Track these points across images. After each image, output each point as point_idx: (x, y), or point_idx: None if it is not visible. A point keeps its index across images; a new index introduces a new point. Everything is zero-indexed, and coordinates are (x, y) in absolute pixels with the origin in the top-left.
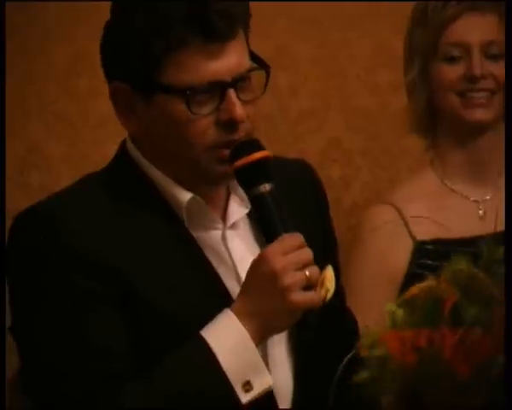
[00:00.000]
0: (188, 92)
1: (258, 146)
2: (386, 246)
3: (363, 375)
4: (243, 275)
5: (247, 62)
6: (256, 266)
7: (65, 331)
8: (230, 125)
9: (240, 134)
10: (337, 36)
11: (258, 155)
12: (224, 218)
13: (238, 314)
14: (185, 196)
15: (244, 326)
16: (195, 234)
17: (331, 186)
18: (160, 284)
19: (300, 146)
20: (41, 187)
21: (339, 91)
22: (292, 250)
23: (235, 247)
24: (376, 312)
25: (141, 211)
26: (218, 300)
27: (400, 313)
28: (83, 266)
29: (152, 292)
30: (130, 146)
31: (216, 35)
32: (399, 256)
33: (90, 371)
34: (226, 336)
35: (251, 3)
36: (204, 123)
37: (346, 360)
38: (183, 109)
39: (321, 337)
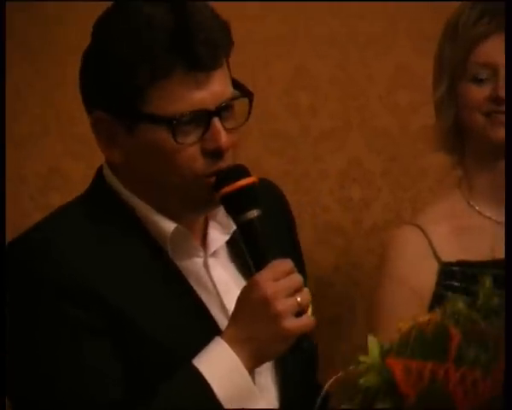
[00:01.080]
0: (174, 122)
1: (244, 172)
2: (411, 267)
3: (357, 401)
4: (227, 302)
5: (230, 91)
6: (247, 292)
7: (59, 362)
8: (216, 153)
9: (225, 163)
10: (357, 56)
11: (244, 181)
12: (204, 245)
13: (230, 342)
14: (169, 225)
15: (236, 354)
16: (178, 262)
17: (351, 207)
18: (147, 313)
19: (321, 166)
20: None
21: (359, 112)
22: (282, 276)
23: (218, 274)
24: None
25: (124, 241)
26: (204, 327)
27: (395, 343)
28: (72, 297)
29: (140, 320)
30: (108, 173)
31: (200, 65)
32: (425, 277)
33: (87, 401)
34: (219, 365)
35: (271, 24)
36: (190, 152)
37: (324, 390)
38: (168, 139)
39: (306, 365)
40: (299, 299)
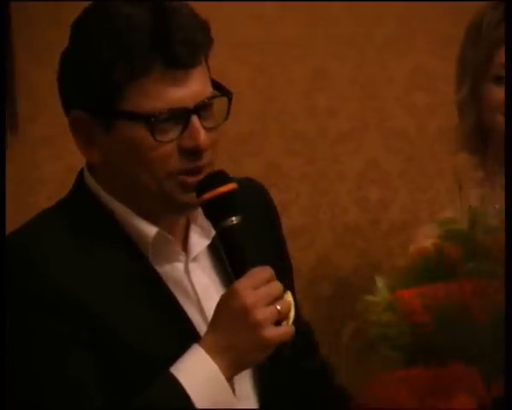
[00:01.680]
0: (152, 119)
1: (224, 179)
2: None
3: (374, 334)
4: (206, 308)
5: (208, 89)
6: (226, 300)
7: (40, 373)
8: (194, 152)
9: (203, 161)
10: (375, 57)
11: (224, 188)
12: (185, 249)
13: (208, 350)
14: (150, 230)
15: (215, 362)
16: (159, 268)
17: (369, 208)
18: (127, 320)
19: (339, 167)
20: None
21: (377, 113)
22: (262, 284)
23: (198, 280)
24: None
25: (104, 246)
26: (183, 333)
27: (398, 275)
28: (54, 310)
29: (120, 328)
30: (88, 178)
31: (179, 63)
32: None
33: None
34: (197, 373)
35: (290, 26)
36: (166, 150)
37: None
38: (146, 136)
39: (285, 373)
40: (278, 307)
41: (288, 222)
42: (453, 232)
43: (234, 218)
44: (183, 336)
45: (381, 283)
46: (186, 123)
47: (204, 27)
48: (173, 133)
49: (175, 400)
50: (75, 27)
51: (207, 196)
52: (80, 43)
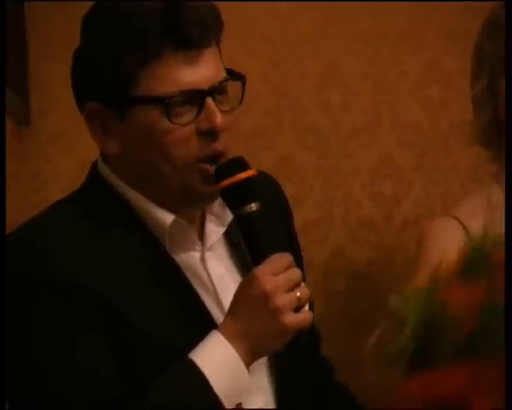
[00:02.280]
0: (166, 101)
1: (243, 165)
2: (442, 257)
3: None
4: (222, 297)
5: (222, 73)
6: (246, 286)
7: (55, 360)
8: (211, 133)
9: (220, 145)
10: (388, 52)
11: (244, 174)
12: (201, 238)
13: (227, 337)
14: (168, 218)
15: (234, 348)
16: (175, 256)
17: (383, 203)
18: (144, 308)
19: (352, 162)
20: None
21: (390, 107)
22: (281, 271)
23: (214, 269)
24: None
25: (120, 235)
26: (200, 322)
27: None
28: (68, 294)
29: (137, 316)
30: (102, 167)
31: (190, 43)
32: None
33: (81, 399)
34: (217, 359)
35: (303, 22)
36: (184, 133)
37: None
38: (162, 119)
39: (300, 361)
40: (298, 294)
41: (301, 216)
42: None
43: (253, 204)
44: (200, 324)
45: (394, 303)
46: (201, 105)
47: (214, 11)
48: (189, 116)
49: (194, 385)
50: (85, 22)
51: (226, 182)
52: (91, 37)
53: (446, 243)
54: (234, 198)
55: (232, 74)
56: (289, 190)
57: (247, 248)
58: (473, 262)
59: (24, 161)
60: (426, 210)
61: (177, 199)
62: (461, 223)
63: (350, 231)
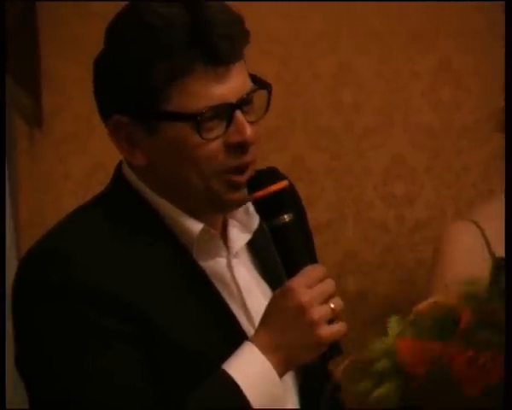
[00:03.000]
0: (198, 118)
1: (278, 176)
2: (466, 262)
3: (366, 385)
4: (249, 303)
5: (248, 84)
6: (281, 298)
7: (86, 371)
8: (241, 146)
9: (249, 157)
10: (400, 52)
11: (277, 186)
12: (225, 245)
13: (261, 348)
14: (196, 226)
15: (268, 360)
16: (202, 263)
17: (395, 203)
18: (173, 316)
19: (364, 163)
20: None
21: (402, 108)
22: (316, 283)
23: (240, 275)
24: None
25: (147, 241)
26: (229, 330)
27: (407, 323)
28: (98, 304)
29: (166, 323)
30: (128, 172)
31: (220, 59)
32: (479, 273)
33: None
34: (251, 371)
35: (315, 22)
36: (213, 147)
37: (336, 376)
38: (192, 135)
39: (324, 371)
40: (332, 305)
41: (313, 217)
42: (473, 296)
43: (286, 215)
44: (228, 331)
45: (394, 322)
46: (230, 118)
47: (240, 21)
48: (218, 130)
49: (230, 398)
50: (110, 31)
51: (260, 193)
52: (116, 47)
53: (463, 248)
54: (267, 209)
55: (258, 83)
56: (301, 191)
57: (281, 259)
58: (440, 322)
59: (36, 161)
60: (438, 211)
61: (204, 206)
62: (478, 227)
63: (362, 232)
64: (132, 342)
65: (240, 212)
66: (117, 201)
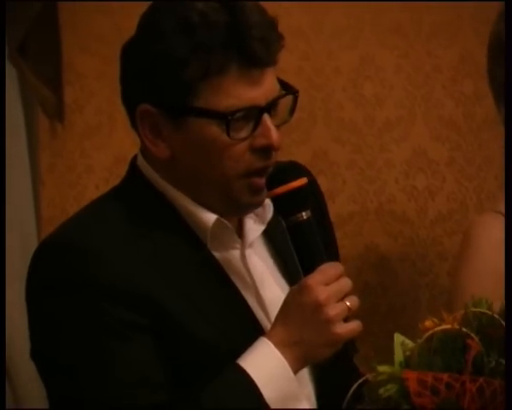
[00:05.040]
0: (229, 117)
1: (298, 171)
2: (494, 254)
3: (377, 406)
4: (263, 294)
5: (277, 88)
6: (297, 295)
7: (103, 363)
8: (265, 150)
9: (272, 160)
10: (422, 45)
11: (297, 183)
12: (240, 236)
13: (277, 345)
14: (210, 217)
15: (283, 356)
16: (216, 254)
17: (416, 196)
18: (188, 308)
19: (387, 155)
20: None
21: (424, 101)
22: (333, 280)
23: (255, 266)
24: None
25: (164, 233)
26: (244, 321)
27: (415, 350)
28: (115, 297)
29: (180, 315)
30: (143, 164)
31: (256, 62)
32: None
33: (129, 402)
34: (267, 368)
35: (337, 15)
36: (239, 148)
37: (351, 391)
38: (220, 134)
39: (342, 368)
40: (348, 303)
41: (334, 210)
42: (480, 318)
43: (304, 213)
44: (243, 322)
45: (399, 339)
46: (258, 121)
47: (275, 25)
48: (245, 131)
49: (244, 392)
50: (144, 21)
51: (279, 190)
52: (151, 37)
53: (494, 241)
54: (285, 206)
55: (285, 88)
56: (323, 184)
57: (297, 256)
58: (448, 349)
59: (58, 155)
60: (459, 204)
61: (222, 206)
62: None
63: (383, 225)
64: (149, 334)
65: None
66: (133, 192)
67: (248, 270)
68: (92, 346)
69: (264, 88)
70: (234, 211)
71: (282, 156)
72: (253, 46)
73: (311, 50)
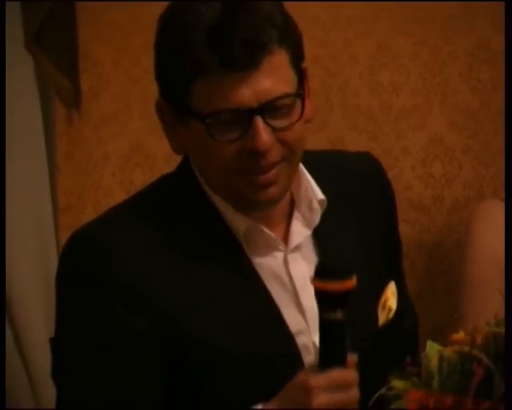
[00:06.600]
0: (207, 120)
1: (347, 272)
2: (496, 240)
3: None
4: (303, 299)
5: (280, 88)
6: (297, 390)
7: (89, 374)
8: (255, 153)
9: (269, 160)
10: (438, 33)
11: (344, 285)
12: (285, 238)
13: None
14: (242, 223)
15: None
16: (256, 259)
17: (433, 184)
18: (210, 320)
19: (403, 143)
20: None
21: (440, 89)
22: (338, 389)
23: (297, 270)
24: (490, 307)
25: (200, 236)
26: (275, 333)
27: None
28: (128, 301)
29: (200, 329)
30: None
31: (236, 65)
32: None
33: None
34: None
35: (351, 5)
36: (228, 149)
37: (375, 396)
38: (205, 135)
39: (377, 349)
40: None
41: None
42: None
43: (338, 312)
44: (274, 335)
45: (433, 349)
46: (249, 123)
47: (272, 26)
48: (234, 134)
49: None
50: (161, 16)
51: (330, 286)
52: (158, 36)
53: (494, 227)
54: (326, 301)
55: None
56: None
57: (320, 349)
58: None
59: (75, 143)
60: (476, 192)
61: (239, 203)
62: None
63: (400, 213)
64: (156, 345)
65: (304, 205)
66: (177, 189)
67: (290, 276)
68: (89, 348)
69: (253, 90)
70: (245, 207)
71: None
72: (234, 49)
73: (327, 38)
